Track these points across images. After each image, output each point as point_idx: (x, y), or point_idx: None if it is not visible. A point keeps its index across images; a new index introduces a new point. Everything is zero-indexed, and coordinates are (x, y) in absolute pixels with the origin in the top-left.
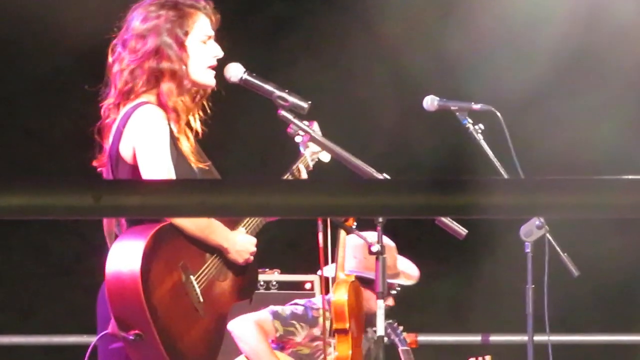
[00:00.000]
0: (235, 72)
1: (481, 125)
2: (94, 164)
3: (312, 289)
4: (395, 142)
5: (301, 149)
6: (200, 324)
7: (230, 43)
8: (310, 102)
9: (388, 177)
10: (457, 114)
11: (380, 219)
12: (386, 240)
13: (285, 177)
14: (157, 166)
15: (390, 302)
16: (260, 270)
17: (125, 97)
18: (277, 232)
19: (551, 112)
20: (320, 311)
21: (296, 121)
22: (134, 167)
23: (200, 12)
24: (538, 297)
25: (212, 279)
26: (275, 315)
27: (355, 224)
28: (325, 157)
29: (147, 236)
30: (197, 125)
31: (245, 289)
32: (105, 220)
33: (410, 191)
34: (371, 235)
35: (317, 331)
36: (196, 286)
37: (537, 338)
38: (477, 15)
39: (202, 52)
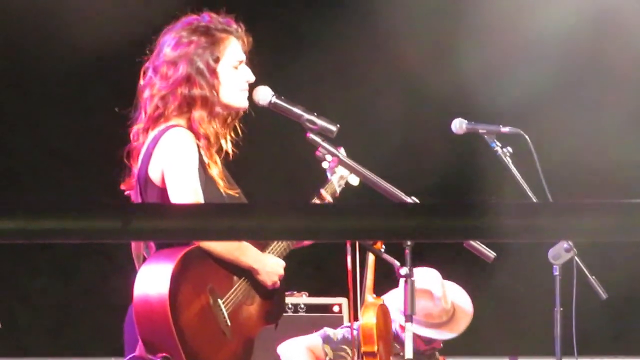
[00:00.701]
0: (264, 95)
1: (509, 149)
2: (122, 187)
3: (340, 311)
4: (422, 164)
5: (328, 174)
6: (228, 347)
7: (257, 64)
8: (338, 126)
9: (416, 200)
10: (486, 137)
11: (409, 243)
12: (432, 272)
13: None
14: (185, 189)
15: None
16: (288, 293)
17: (154, 121)
18: (306, 255)
19: (575, 127)
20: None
21: (325, 144)
22: (163, 190)
23: (232, 36)
24: (566, 319)
25: (239, 303)
26: (326, 340)
27: (383, 247)
28: (354, 180)
29: (175, 259)
30: (228, 146)
31: (273, 312)
32: (133, 243)
33: (438, 214)
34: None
35: None
36: (224, 309)
37: None
38: (494, 32)
39: (233, 77)
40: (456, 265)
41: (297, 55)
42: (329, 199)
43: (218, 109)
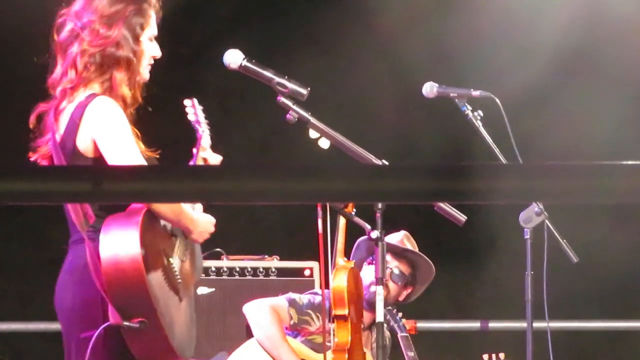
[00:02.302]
0: (235, 58)
1: (480, 112)
2: (33, 157)
3: (311, 275)
4: (394, 129)
5: (196, 125)
6: (182, 305)
7: (230, 31)
8: (309, 89)
9: (387, 163)
10: (456, 100)
11: (380, 205)
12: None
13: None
14: (129, 155)
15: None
16: (259, 257)
17: (81, 81)
18: (277, 219)
19: (551, 104)
20: (325, 302)
21: (296, 107)
22: (95, 160)
23: (153, 11)
24: (537, 283)
25: (180, 262)
26: (292, 303)
27: (354, 210)
28: (325, 143)
29: (137, 223)
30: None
31: (198, 267)
32: (72, 212)
33: (409, 176)
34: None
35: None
36: (175, 268)
37: (537, 324)
38: (477, 4)
39: (149, 49)
40: (427, 230)
41: (268, 23)
42: None
43: (135, 77)
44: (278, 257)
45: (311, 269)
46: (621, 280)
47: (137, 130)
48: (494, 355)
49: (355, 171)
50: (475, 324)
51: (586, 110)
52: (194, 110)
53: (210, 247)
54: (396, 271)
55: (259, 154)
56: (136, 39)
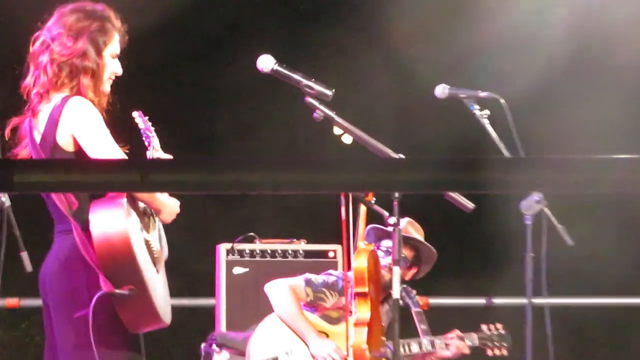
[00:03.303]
0: (267, 63)
1: (487, 111)
2: (18, 153)
3: (335, 257)
4: (409, 127)
5: (147, 132)
6: (159, 277)
7: (259, 38)
8: (334, 90)
9: (403, 156)
10: (465, 101)
11: (397, 195)
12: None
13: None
14: (107, 148)
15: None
16: (288, 240)
17: (54, 85)
18: (304, 207)
19: (552, 103)
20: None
21: (321, 107)
22: (74, 154)
23: (117, 32)
24: (537, 264)
25: (155, 237)
26: (308, 283)
27: (374, 199)
28: (348, 139)
29: (121, 204)
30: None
31: (164, 247)
32: (58, 201)
33: (422, 169)
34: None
35: (344, 300)
36: (152, 244)
37: (536, 301)
38: (485, 11)
39: (110, 64)
40: (438, 217)
41: (295, 32)
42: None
43: (99, 84)
44: (305, 241)
45: (335, 251)
46: (611, 261)
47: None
48: (491, 325)
49: (375, 164)
50: (481, 301)
51: (587, 109)
52: (142, 120)
53: (245, 232)
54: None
55: (288, 148)
56: (99, 53)
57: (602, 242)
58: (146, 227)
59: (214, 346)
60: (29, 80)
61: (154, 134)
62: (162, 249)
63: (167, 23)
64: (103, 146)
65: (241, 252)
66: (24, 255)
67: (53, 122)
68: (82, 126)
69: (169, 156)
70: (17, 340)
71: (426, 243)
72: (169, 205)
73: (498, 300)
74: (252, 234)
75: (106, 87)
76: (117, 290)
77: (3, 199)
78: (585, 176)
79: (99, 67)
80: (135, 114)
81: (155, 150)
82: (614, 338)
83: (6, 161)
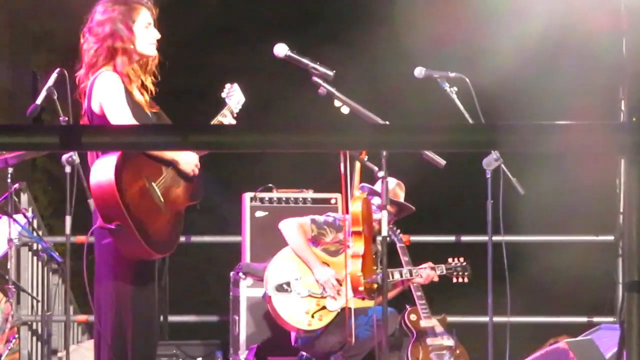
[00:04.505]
0: (282, 50)
1: (455, 88)
2: (82, 122)
3: (336, 203)
4: (393, 100)
5: (227, 100)
6: (163, 217)
7: (276, 29)
8: (335, 71)
9: (388, 122)
10: (438, 80)
11: (384, 153)
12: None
13: (213, 121)
14: (120, 113)
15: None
16: (299, 190)
17: (90, 68)
18: (312, 162)
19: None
20: (345, 222)
21: (325, 84)
22: (104, 118)
23: (144, 6)
24: (495, 208)
25: (169, 185)
26: (313, 221)
27: (366, 157)
28: (345, 110)
29: (116, 155)
30: (149, 85)
31: (195, 193)
32: (89, 158)
33: (401, 131)
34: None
35: (340, 235)
36: (157, 190)
37: (495, 238)
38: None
39: (145, 34)
40: (414, 173)
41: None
42: (229, 118)
43: (134, 56)
44: (312, 190)
45: (336, 198)
46: (557, 205)
47: (145, 95)
48: (456, 258)
49: (367, 128)
50: (451, 238)
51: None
52: (228, 91)
53: (265, 183)
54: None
55: (299, 117)
56: (130, 29)
57: (547, 191)
58: (154, 176)
59: (240, 274)
60: (81, 67)
61: (235, 103)
62: (188, 195)
63: (202, 21)
64: (115, 114)
65: (262, 199)
66: (91, 202)
67: (89, 94)
68: (104, 96)
69: (233, 122)
70: (86, 270)
71: (407, 204)
72: (182, 158)
73: (465, 238)
74: (270, 185)
75: (147, 51)
76: (108, 225)
77: (74, 157)
78: (534, 138)
79: (132, 43)
80: (227, 85)
81: (223, 116)
82: (557, 266)
83: (76, 126)
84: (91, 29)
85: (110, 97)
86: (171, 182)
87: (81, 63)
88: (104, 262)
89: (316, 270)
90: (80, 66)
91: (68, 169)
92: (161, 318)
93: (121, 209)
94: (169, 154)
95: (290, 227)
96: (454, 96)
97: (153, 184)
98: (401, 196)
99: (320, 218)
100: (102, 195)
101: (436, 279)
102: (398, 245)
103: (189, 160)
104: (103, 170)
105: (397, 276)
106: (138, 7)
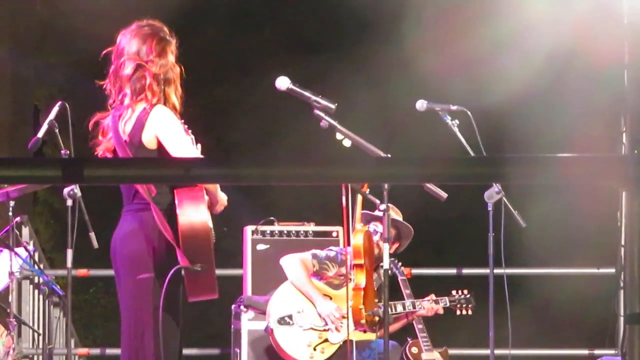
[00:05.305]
0: (284, 83)
1: (457, 121)
2: (100, 152)
3: (337, 236)
4: (395, 134)
5: None
6: (215, 259)
7: (279, 61)
8: (336, 104)
9: (389, 155)
10: (440, 113)
11: (386, 186)
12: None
13: None
14: (186, 147)
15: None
16: (300, 223)
17: (137, 97)
18: (313, 196)
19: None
20: (347, 256)
21: (326, 117)
22: (157, 151)
23: (174, 44)
24: (497, 241)
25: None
26: (314, 256)
27: (368, 189)
28: (347, 143)
29: (203, 198)
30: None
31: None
32: (139, 188)
33: (404, 164)
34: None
35: (343, 269)
36: (211, 231)
37: (496, 271)
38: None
39: (177, 71)
40: (415, 205)
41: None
42: None
43: (178, 90)
44: (314, 223)
45: (337, 231)
46: (559, 237)
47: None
48: (460, 291)
49: (368, 161)
50: (452, 271)
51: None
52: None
53: (266, 216)
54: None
55: (300, 150)
56: (174, 65)
57: (548, 223)
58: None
59: (242, 307)
60: (122, 94)
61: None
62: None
63: (205, 48)
64: (181, 147)
65: (263, 232)
66: (92, 235)
67: (140, 125)
68: (165, 129)
69: None
70: (86, 303)
71: (405, 222)
72: (222, 199)
73: (466, 271)
74: (272, 218)
75: (180, 90)
76: (192, 266)
77: (76, 190)
78: (536, 171)
79: (176, 76)
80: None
81: None
82: (558, 299)
83: (78, 159)
84: (150, 60)
85: (174, 131)
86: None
87: (124, 94)
88: (158, 294)
89: (318, 303)
90: (123, 96)
91: (69, 202)
92: None
93: (211, 252)
94: (218, 194)
95: (292, 263)
96: (456, 129)
97: (209, 223)
98: (398, 219)
99: (322, 253)
100: (195, 237)
101: (441, 311)
102: (399, 278)
103: (224, 202)
104: (196, 211)
105: (399, 309)
106: (172, 43)
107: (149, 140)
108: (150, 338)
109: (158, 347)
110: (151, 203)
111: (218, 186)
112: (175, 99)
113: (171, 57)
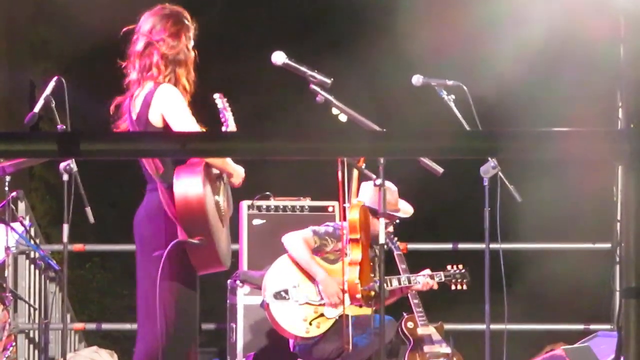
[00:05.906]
0: (279, 58)
1: (453, 96)
2: (119, 125)
3: (333, 211)
4: (391, 108)
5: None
6: (224, 231)
7: (275, 38)
8: (332, 79)
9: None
10: (436, 88)
11: (382, 161)
12: (391, 184)
13: None
14: (190, 124)
15: (391, 228)
16: (296, 198)
17: (145, 75)
18: (309, 170)
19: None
20: (343, 230)
21: (322, 92)
22: (164, 129)
23: (192, 29)
24: (493, 216)
25: (224, 198)
26: (315, 233)
27: (364, 164)
28: (343, 117)
29: (200, 172)
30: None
31: (231, 205)
32: (147, 166)
33: (401, 138)
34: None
35: (340, 244)
36: (221, 204)
37: (492, 246)
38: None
39: (192, 55)
40: (413, 182)
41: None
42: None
43: (190, 72)
44: (309, 198)
45: (333, 206)
46: (554, 213)
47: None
48: (455, 265)
49: (364, 135)
50: (448, 245)
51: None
52: (221, 101)
53: (262, 191)
54: None
55: (297, 124)
56: (188, 48)
57: (544, 198)
58: (217, 191)
59: (237, 282)
60: (134, 73)
61: (230, 112)
62: (229, 208)
63: (199, 30)
64: (184, 124)
65: (259, 207)
66: (88, 210)
67: (146, 104)
68: (169, 107)
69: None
70: (82, 278)
71: (403, 201)
72: (237, 170)
73: (462, 246)
74: (267, 193)
75: (192, 73)
76: (190, 240)
77: (72, 165)
78: (532, 145)
79: (188, 59)
80: (215, 95)
81: (228, 128)
82: (554, 273)
83: (74, 133)
84: (162, 38)
85: (178, 110)
86: (223, 194)
87: (127, 63)
88: (170, 269)
89: (324, 282)
90: (125, 66)
91: (65, 177)
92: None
93: (208, 224)
94: (229, 167)
95: (295, 242)
96: (452, 104)
97: (217, 197)
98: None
99: (321, 229)
100: (190, 210)
101: (435, 286)
102: (395, 253)
103: (241, 174)
104: (190, 184)
105: (395, 283)
106: (191, 28)
107: (155, 118)
108: (168, 312)
109: (175, 319)
110: (157, 181)
111: (230, 160)
112: (185, 82)
113: (185, 41)
